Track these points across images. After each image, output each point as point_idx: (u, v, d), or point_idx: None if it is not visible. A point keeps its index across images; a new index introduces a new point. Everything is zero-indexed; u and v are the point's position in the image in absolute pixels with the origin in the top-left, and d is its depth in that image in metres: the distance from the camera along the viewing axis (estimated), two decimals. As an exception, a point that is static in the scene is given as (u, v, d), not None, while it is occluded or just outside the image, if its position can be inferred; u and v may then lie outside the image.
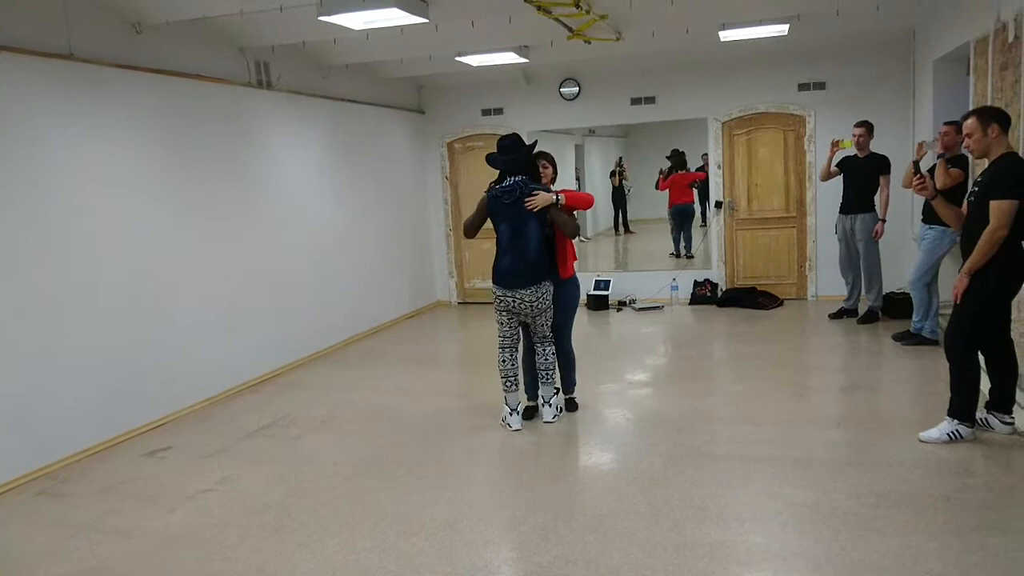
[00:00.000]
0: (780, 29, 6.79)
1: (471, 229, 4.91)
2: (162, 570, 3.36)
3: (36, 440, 4.54)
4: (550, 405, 4.95)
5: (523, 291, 4.72)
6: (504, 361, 4.91)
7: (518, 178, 4.70)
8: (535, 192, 4.67)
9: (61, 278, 4.72)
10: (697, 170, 14.49)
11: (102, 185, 5.02)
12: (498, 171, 4.80)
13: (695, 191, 13.23)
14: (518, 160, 4.74)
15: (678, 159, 12.27)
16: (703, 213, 15.18)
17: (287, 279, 6.86)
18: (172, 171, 5.59)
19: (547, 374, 4.92)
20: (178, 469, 4.57)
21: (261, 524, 3.74)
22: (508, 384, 4.92)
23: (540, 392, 5.01)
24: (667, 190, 12.16)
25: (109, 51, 5.07)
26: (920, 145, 6.14)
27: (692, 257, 11.75)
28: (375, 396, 5.85)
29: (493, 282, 4.85)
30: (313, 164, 7.35)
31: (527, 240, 4.71)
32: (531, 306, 4.76)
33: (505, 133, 4.94)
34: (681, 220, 12.20)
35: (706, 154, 9.53)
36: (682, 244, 12.14)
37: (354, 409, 5.58)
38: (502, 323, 4.90)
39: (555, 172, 5.05)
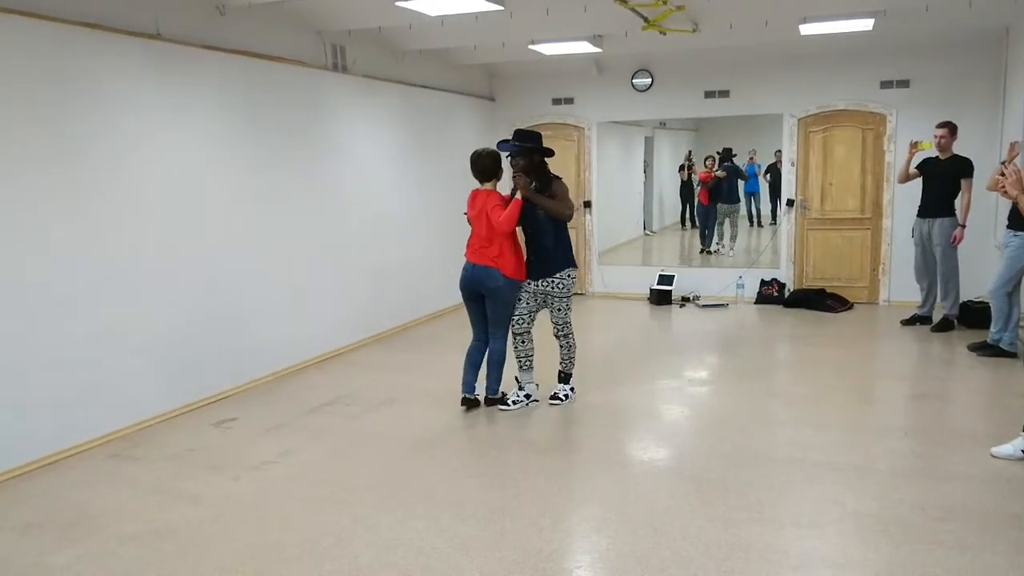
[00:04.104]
0: (865, 24, 6.58)
1: None
2: (224, 536, 3.48)
3: (111, 405, 4.74)
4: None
5: None
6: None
7: None
8: None
9: (140, 251, 4.89)
10: (772, 170, 14.40)
11: (182, 162, 5.18)
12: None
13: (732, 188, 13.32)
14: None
15: (721, 156, 12.38)
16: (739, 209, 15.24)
17: (352, 260, 6.98)
18: (248, 150, 5.74)
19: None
20: (243, 440, 4.72)
21: (319, 497, 3.84)
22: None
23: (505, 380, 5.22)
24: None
25: (194, 32, 5.23)
26: (1013, 146, 5.87)
27: (705, 252, 11.97)
28: (434, 379, 5.91)
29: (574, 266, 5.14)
30: (383, 148, 7.45)
31: None
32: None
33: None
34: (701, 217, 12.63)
35: (779, 151, 9.32)
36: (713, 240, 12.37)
37: (413, 391, 5.66)
38: None
39: None
